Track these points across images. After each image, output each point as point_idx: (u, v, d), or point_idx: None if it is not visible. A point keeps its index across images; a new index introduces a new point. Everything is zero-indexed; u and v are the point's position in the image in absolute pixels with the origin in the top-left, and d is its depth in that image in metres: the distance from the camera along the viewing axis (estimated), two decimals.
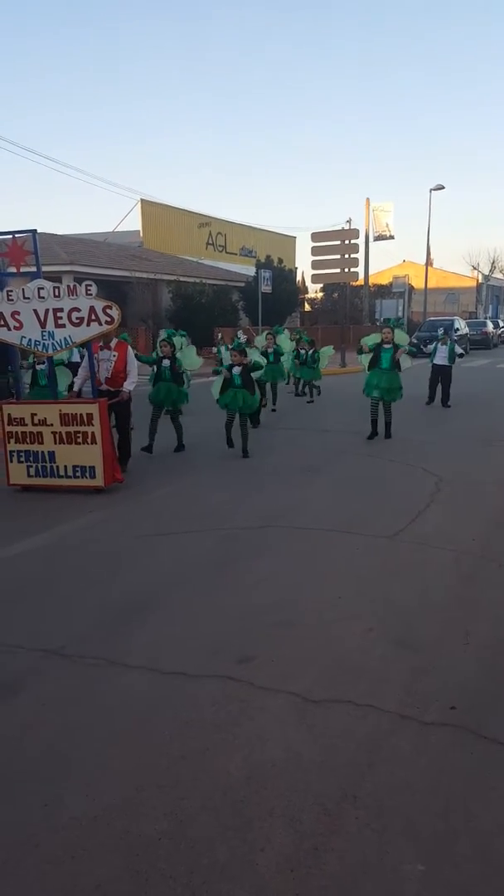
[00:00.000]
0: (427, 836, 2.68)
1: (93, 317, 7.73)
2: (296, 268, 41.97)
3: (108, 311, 7.72)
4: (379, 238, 31.77)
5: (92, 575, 5.50)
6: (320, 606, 4.77)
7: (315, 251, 25.92)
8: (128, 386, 8.68)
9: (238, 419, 9.87)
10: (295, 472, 8.86)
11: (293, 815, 2.80)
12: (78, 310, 7.77)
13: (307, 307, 46.39)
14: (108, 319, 7.71)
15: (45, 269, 28.49)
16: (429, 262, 42.69)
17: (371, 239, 28.85)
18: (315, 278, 27.38)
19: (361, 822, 2.75)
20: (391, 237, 32.85)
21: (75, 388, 8.92)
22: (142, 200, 36.91)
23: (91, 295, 7.72)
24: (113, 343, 8.67)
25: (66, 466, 8.01)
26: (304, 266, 49.99)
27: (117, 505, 7.53)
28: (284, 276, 34.16)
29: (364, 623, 4.49)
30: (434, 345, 14.97)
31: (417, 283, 46.08)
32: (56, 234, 31.93)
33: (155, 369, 10.36)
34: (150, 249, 36.00)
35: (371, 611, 4.69)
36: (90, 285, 7.75)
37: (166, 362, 10.12)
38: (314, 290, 46.48)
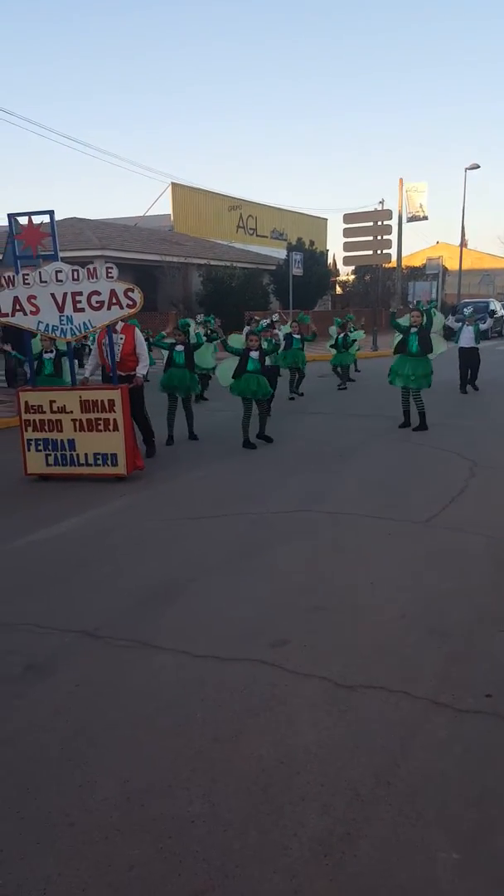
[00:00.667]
0: (462, 825, 2.66)
1: (114, 300, 7.50)
2: (327, 250, 41.53)
3: (130, 294, 7.48)
4: (412, 219, 31.28)
5: (123, 558, 5.53)
6: (353, 592, 4.75)
7: (347, 233, 25.62)
8: (140, 370, 8.44)
9: (255, 407, 9.53)
10: (326, 458, 8.82)
11: (326, 800, 2.80)
12: (98, 293, 7.53)
13: (339, 290, 46.02)
14: (130, 303, 7.48)
15: (77, 253, 28.56)
16: (463, 244, 42.04)
17: (404, 220, 28.40)
18: (347, 260, 27.08)
19: (395, 809, 2.74)
20: (425, 218, 32.28)
21: (86, 374, 8.72)
22: (173, 184, 36.81)
23: (112, 278, 7.48)
24: (119, 326, 8.31)
25: (86, 454, 7.87)
26: (335, 248, 49.63)
27: (146, 490, 7.56)
28: (316, 259, 33.86)
29: (397, 609, 4.46)
30: (459, 326, 14.27)
31: (451, 264, 45.48)
32: (88, 219, 32.02)
33: (167, 355, 10.09)
34: (181, 233, 35.94)
35: (404, 597, 4.65)
36: (111, 268, 7.51)
37: (179, 348, 9.91)
38: (346, 273, 46.11)
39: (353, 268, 37.27)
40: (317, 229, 46.08)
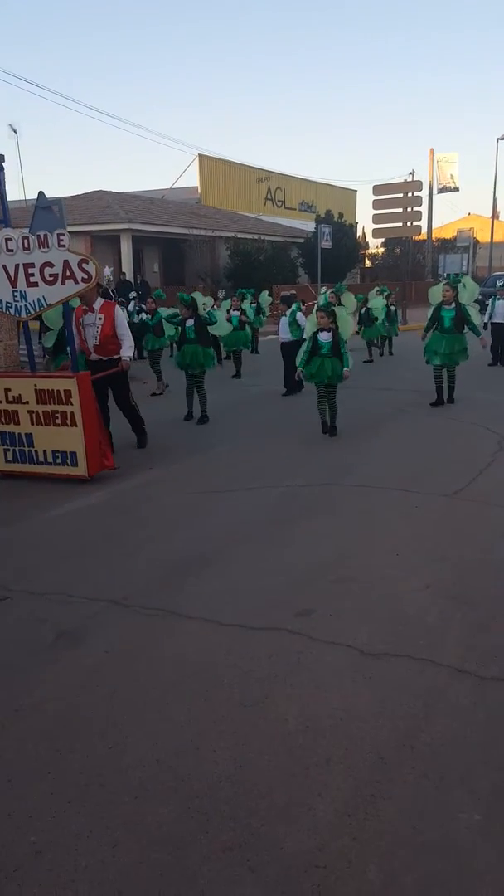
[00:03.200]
0: (484, 788, 2.70)
1: (68, 273, 6.60)
2: (356, 222, 41.09)
3: (85, 265, 6.59)
4: (443, 190, 30.88)
5: (151, 530, 5.61)
6: (378, 562, 4.79)
7: (377, 205, 25.32)
8: (125, 353, 7.59)
9: (326, 392, 8.57)
10: (355, 431, 8.81)
11: (350, 763, 2.86)
12: (51, 265, 6.61)
13: (368, 263, 45.53)
14: (85, 276, 6.59)
15: (103, 227, 28.49)
16: (495, 215, 41.32)
17: (435, 191, 28.06)
18: (376, 233, 26.80)
19: (418, 772, 2.79)
20: (456, 189, 31.85)
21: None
22: (200, 156, 36.54)
23: (64, 247, 6.59)
24: (98, 304, 7.50)
25: (45, 451, 6.98)
26: (365, 220, 49.01)
27: (175, 463, 7.62)
28: (345, 231, 33.51)
29: (422, 579, 4.49)
30: (491, 300, 13.90)
31: (483, 236, 44.70)
32: (114, 192, 31.98)
33: (178, 332, 9.79)
34: (208, 206, 35.74)
35: (429, 567, 4.68)
36: (62, 234, 6.61)
37: (190, 322, 9.43)
38: (375, 246, 45.54)
39: (382, 240, 36.82)
40: (346, 201, 45.53)
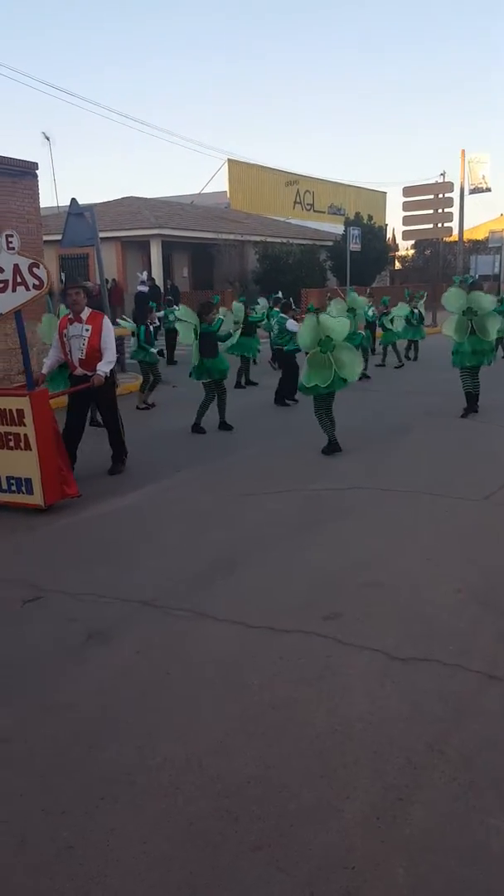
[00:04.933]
0: None
1: (18, 279, 6.00)
2: (386, 224, 40.86)
3: (35, 270, 6.00)
4: (475, 191, 30.50)
5: (180, 532, 5.66)
6: (407, 567, 4.78)
7: (407, 206, 25.29)
8: (102, 367, 6.84)
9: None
10: (381, 434, 8.80)
11: (378, 766, 2.87)
12: (0, 270, 6.07)
13: (398, 265, 45.30)
14: (37, 283, 6.00)
15: (134, 232, 28.76)
16: None
17: (466, 192, 27.75)
18: (406, 235, 26.76)
19: (448, 777, 2.80)
20: (488, 190, 31.43)
21: (44, 370, 7.19)
22: (229, 160, 36.67)
23: (13, 250, 6.00)
24: (85, 314, 6.86)
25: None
26: (395, 222, 48.68)
27: (202, 466, 7.66)
28: (374, 234, 33.33)
29: (452, 584, 4.48)
30: None
31: None
32: (145, 198, 32.19)
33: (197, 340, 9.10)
34: (237, 210, 35.84)
35: (459, 573, 4.66)
36: (11, 236, 6.07)
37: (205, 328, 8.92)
38: (405, 248, 45.28)
39: (412, 242, 36.61)
40: (376, 203, 45.35)
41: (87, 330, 6.85)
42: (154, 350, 10.98)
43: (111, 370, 7.09)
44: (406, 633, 3.89)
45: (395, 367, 15.34)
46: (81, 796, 2.79)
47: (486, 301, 9.50)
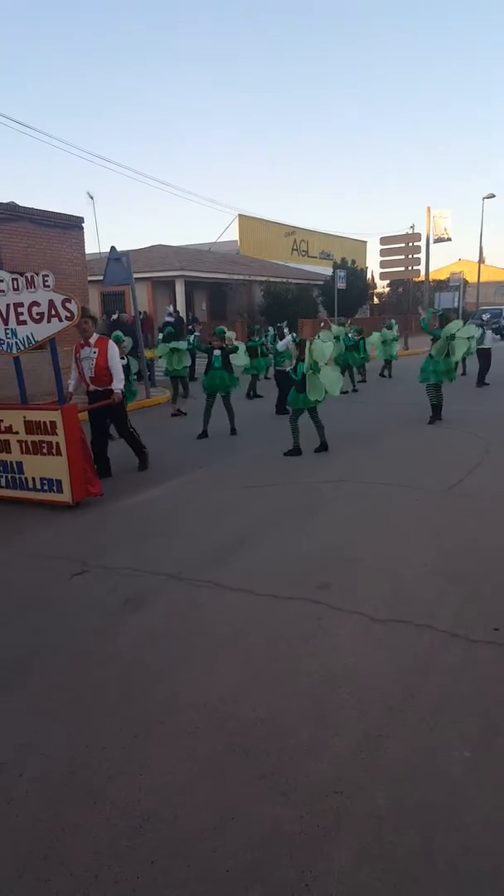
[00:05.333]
0: (472, 730, 2.67)
1: (52, 312, 5.99)
2: (366, 267, 40.68)
3: (67, 305, 5.95)
4: (438, 240, 30.37)
5: (201, 517, 5.64)
6: (384, 546, 4.75)
7: (383, 252, 25.21)
8: (117, 386, 6.84)
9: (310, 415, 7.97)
10: (363, 438, 8.75)
11: (362, 709, 2.84)
12: (38, 304, 6.02)
13: (376, 300, 45.18)
14: (69, 315, 5.94)
15: (161, 274, 28.55)
16: (481, 260, 40.76)
17: (431, 241, 27.66)
18: (383, 276, 26.64)
19: (419, 717, 2.77)
20: (449, 239, 31.32)
21: (70, 388, 6.97)
22: (239, 215, 36.64)
23: (49, 287, 5.96)
24: (93, 339, 6.82)
25: (33, 478, 6.23)
26: (373, 265, 48.57)
27: (218, 463, 7.64)
28: (357, 275, 33.23)
29: (421, 560, 4.45)
30: (481, 331, 13.76)
31: (471, 277, 44.07)
32: (170, 245, 32.18)
33: (207, 359, 9.16)
34: (246, 255, 35.79)
35: (427, 550, 4.63)
36: (47, 276, 6.00)
37: (217, 352, 9.00)
38: (382, 286, 45.13)
39: (387, 281, 36.48)
40: (358, 250, 45.21)
41: (94, 352, 6.81)
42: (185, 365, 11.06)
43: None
44: (384, 600, 3.86)
45: (359, 382, 14.81)
46: (118, 735, 2.77)
47: (467, 328, 9.53)
